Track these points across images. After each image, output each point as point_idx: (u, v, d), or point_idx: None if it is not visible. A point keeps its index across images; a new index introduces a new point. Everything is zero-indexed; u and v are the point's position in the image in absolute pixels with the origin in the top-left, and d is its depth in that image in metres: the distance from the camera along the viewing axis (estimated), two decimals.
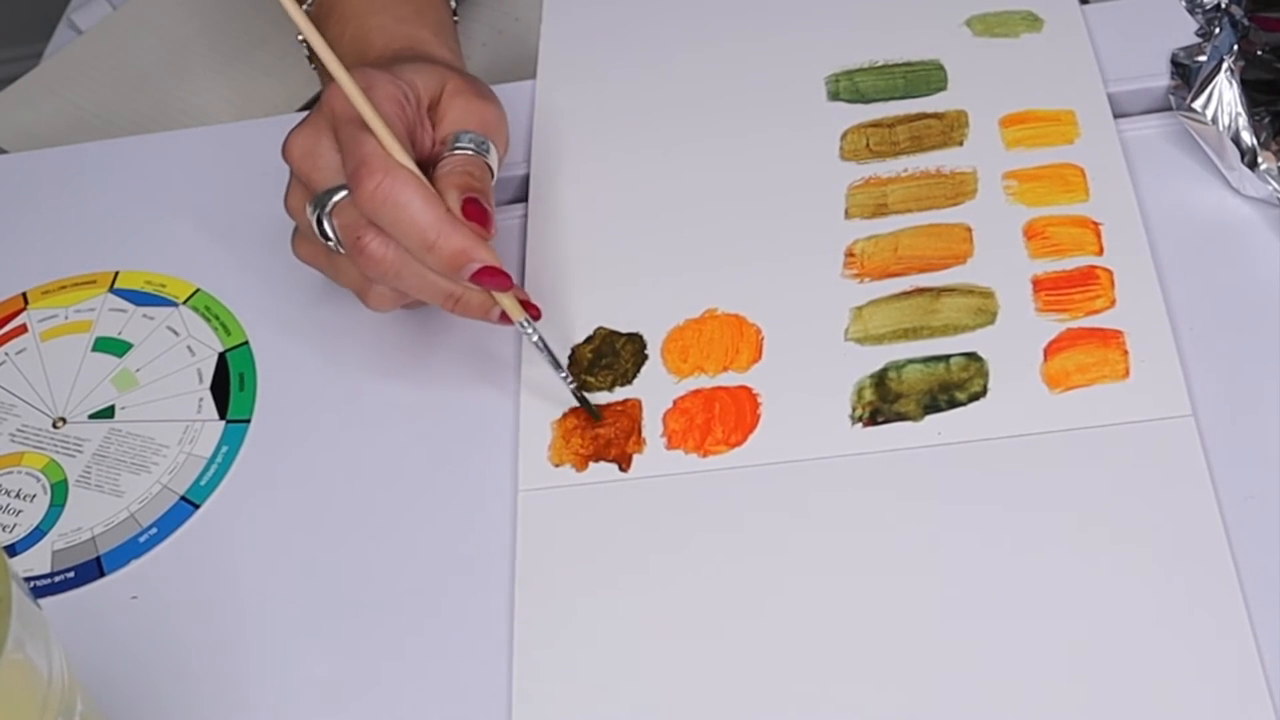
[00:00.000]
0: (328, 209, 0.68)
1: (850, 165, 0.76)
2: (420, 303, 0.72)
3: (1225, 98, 0.71)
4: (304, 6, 0.79)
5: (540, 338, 0.69)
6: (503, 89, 0.83)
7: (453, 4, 0.80)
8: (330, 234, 0.68)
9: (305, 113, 0.76)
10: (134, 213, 0.83)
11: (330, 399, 0.73)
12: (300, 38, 0.79)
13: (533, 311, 0.68)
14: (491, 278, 0.66)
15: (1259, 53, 0.71)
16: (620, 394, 0.70)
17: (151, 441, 0.74)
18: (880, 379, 0.68)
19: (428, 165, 0.68)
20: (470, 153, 0.68)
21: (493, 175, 0.69)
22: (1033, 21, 0.79)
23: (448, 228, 0.65)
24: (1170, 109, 0.74)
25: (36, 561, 0.71)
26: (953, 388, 0.67)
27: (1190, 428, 0.64)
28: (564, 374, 0.69)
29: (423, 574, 0.67)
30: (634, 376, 0.70)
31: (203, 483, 0.72)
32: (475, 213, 0.66)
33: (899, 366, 0.68)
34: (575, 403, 0.70)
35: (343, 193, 0.67)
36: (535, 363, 0.71)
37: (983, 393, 0.67)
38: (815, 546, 0.64)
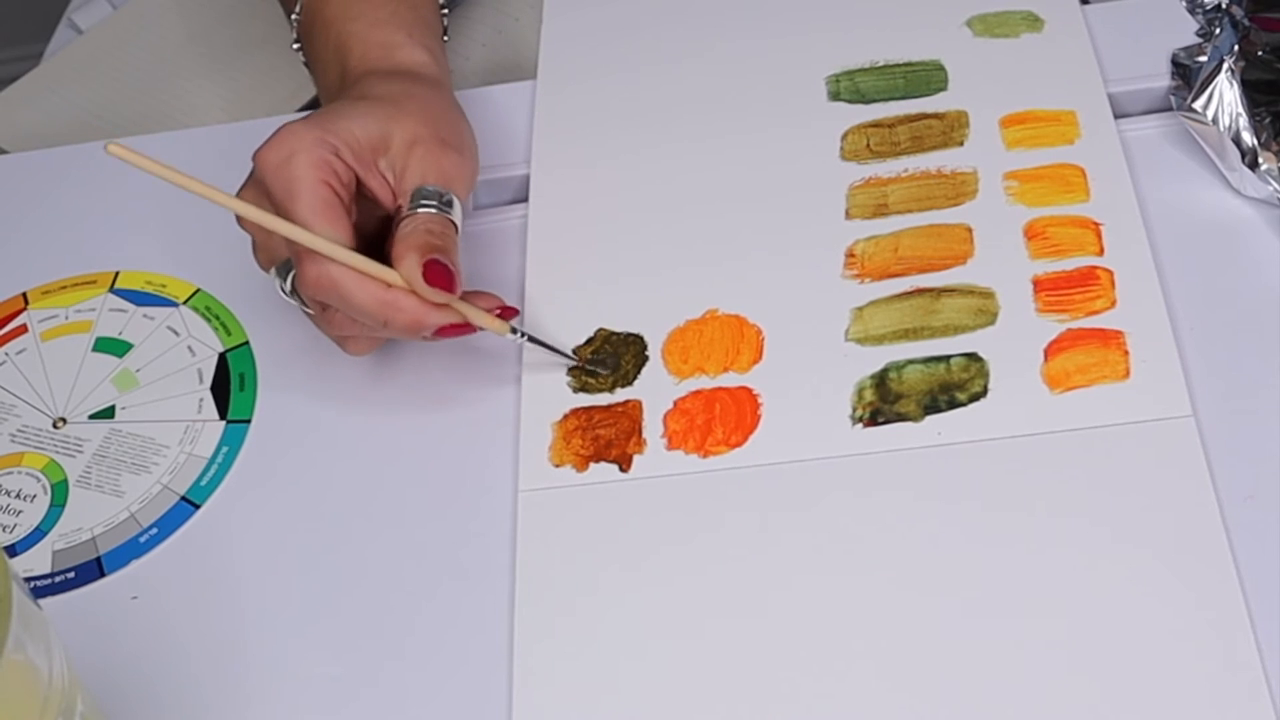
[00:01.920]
0: (287, 282, 0.69)
1: (851, 165, 0.76)
2: None
3: (1226, 98, 0.71)
4: (293, 16, 0.79)
5: (528, 336, 0.69)
6: (503, 89, 0.84)
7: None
8: (298, 300, 0.69)
9: (307, 112, 0.76)
10: (134, 213, 0.83)
11: (330, 399, 0.73)
12: (296, 45, 0.80)
13: (510, 313, 0.69)
14: (452, 332, 0.67)
15: (1259, 53, 0.71)
16: (621, 395, 0.70)
17: (152, 442, 0.74)
18: (880, 379, 0.68)
19: (384, 215, 0.69)
20: (433, 210, 0.68)
21: (457, 230, 0.68)
22: (1033, 21, 0.79)
23: (393, 305, 0.66)
24: (1170, 109, 0.74)
25: (36, 561, 0.71)
26: (953, 388, 0.67)
27: (1190, 428, 0.64)
28: (569, 358, 0.70)
29: (423, 574, 0.67)
30: (634, 377, 0.70)
31: (203, 483, 0.72)
32: (437, 276, 0.66)
33: (899, 367, 0.68)
34: (576, 402, 0.70)
35: None
36: (535, 364, 0.71)
37: (983, 393, 0.67)
38: (815, 547, 0.64)
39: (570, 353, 0.71)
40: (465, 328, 0.68)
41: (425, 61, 0.75)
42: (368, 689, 0.64)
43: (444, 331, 0.67)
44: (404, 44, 0.75)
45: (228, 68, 0.93)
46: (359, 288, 0.66)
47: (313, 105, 0.88)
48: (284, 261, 0.69)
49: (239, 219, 0.70)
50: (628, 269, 0.74)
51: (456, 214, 0.69)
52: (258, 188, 0.68)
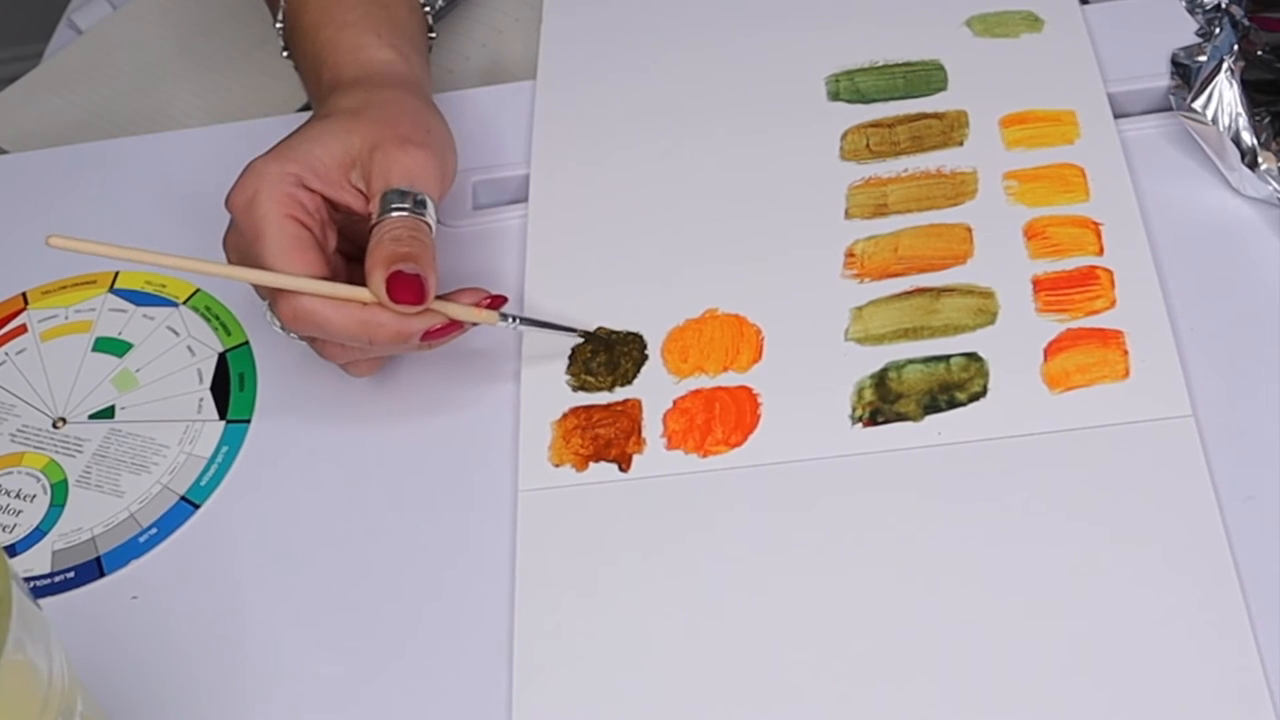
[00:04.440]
0: (276, 318, 0.69)
1: (850, 165, 0.76)
2: None
3: (1225, 98, 0.71)
4: (277, 25, 0.79)
5: (521, 319, 0.69)
6: (502, 89, 0.84)
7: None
8: (291, 333, 0.69)
9: (305, 113, 0.76)
10: (134, 213, 0.83)
11: (330, 399, 0.73)
12: (285, 54, 0.80)
13: (499, 302, 0.69)
14: (440, 335, 0.67)
15: (1259, 53, 0.71)
16: (620, 394, 0.70)
17: (151, 441, 0.74)
18: (880, 379, 0.68)
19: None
20: (404, 213, 0.67)
21: (431, 227, 0.68)
22: (1033, 21, 0.79)
23: (373, 323, 0.66)
24: (1170, 109, 0.74)
25: (36, 561, 0.71)
26: (953, 388, 0.67)
27: (1190, 428, 0.64)
28: (567, 331, 0.71)
29: (423, 574, 0.67)
30: (634, 376, 0.70)
31: (203, 483, 0.72)
32: (401, 291, 0.65)
33: (899, 367, 0.68)
34: (575, 401, 0.70)
35: None
36: (535, 363, 0.71)
37: (983, 393, 0.67)
38: (815, 546, 0.64)
39: (569, 326, 0.71)
40: (454, 327, 0.68)
41: (391, 60, 0.74)
42: (368, 689, 0.64)
43: (432, 335, 0.67)
44: (371, 45, 0.74)
45: (227, 68, 0.93)
46: (336, 314, 0.66)
47: (310, 106, 0.88)
48: (270, 302, 0.69)
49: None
50: (627, 268, 0.74)
51: (430, 212, 0.68)
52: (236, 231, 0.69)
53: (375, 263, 0.66)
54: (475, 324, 0.68)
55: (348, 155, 0.69)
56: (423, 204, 0.68)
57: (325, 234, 0.69)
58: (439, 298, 0.67)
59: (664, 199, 0.76)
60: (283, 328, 0.69)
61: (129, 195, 0.83)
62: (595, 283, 0.74)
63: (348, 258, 0.70)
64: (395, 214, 0.67)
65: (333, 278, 0.67)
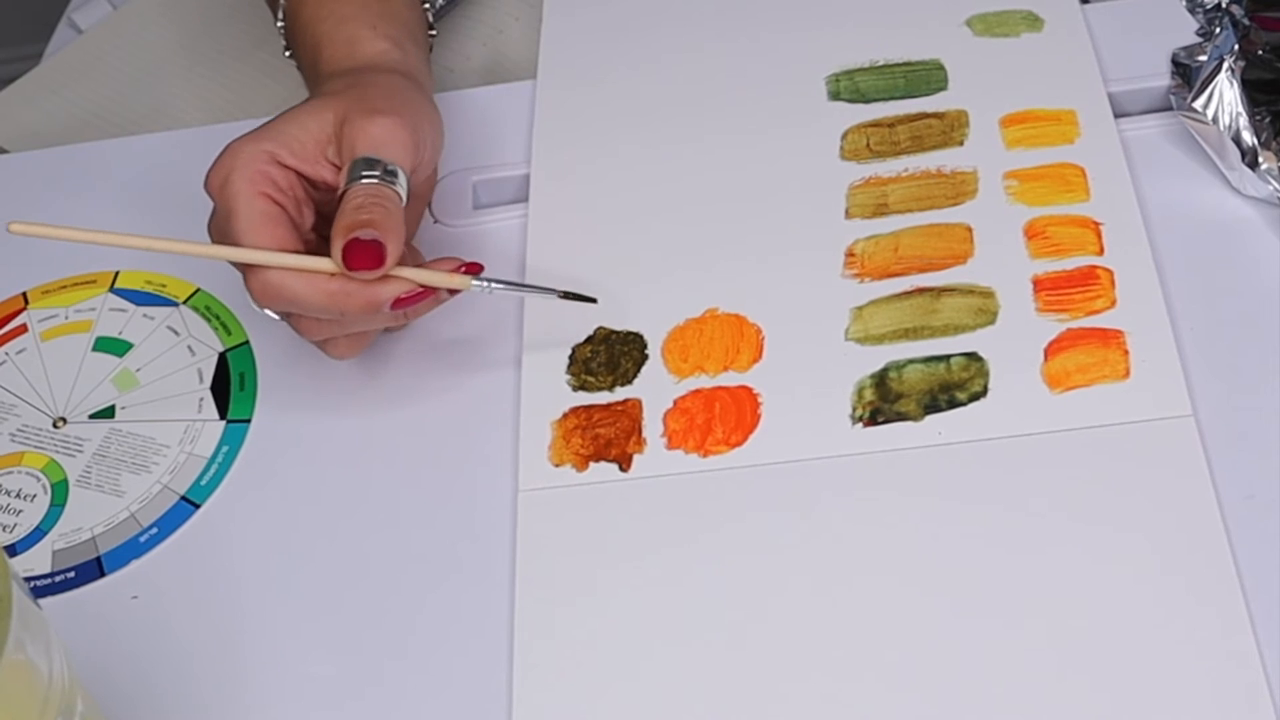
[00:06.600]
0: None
1: (850, 165, 0.76)
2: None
3: (1226, 97, 0.71)
4: (278, 24, 0.79)
5: (497, 282, 0.68)
6: (503, 89, 0.84)
7: None
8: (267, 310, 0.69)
9: None
10: (134, 213, 0.83)
11: (330, 399, 0.73)
12: (287, 53, 0.80)
13: (474, 269, 0.68)
14: (412, 302, 0.67)
15: (1260, 52, 0.71)
16: (620, 394, 0.70)
17: (152, 441, 0.74)
18: (880, 379, 0.68)
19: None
20: (372, 181, 0.67)
21: (401, 196, 0.67)
22: (1033, 21, 0.79)
23: (341, 293, 0.66)
24: (1171, 109, 0.74)
25: (36, 561, 0.71)
26: (953, 388, 0.67)
27: (1190, 428, 0.64)
28: (546, 291, 0.69)
29: (423, 574, 0.67)
30: (634, 376, 0.70)
31: (203, 483, 0.72)
32: (357, 257, 0.65)
33: (899, 366, 0.68)
34: (575, 401, 0.70)
35: None
36: (535, 363, 0.71)
37: (983, 393, 0.67)
38: (815, 546, 0.64)
39: (544, 286, 0.70)
40: (426, 294, 0.67)
41: (386, 50, 0.74)
42: (368, 688, 0.64)
43: (403, 303, 0.66)
44: (367, 38, 0.75)
45: (228, 67, 0.93)
46: (304, 286, 0.66)
47: None
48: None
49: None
50: (627, 268, 0.74)
51: (400, 182, 0.68)
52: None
53: (336, 231, 0.66)
54: (451, 293, 0.68)
55: (323, 132, 0.69)
56: (393, 173, 0.68)
57: (300, 211, 0.69)
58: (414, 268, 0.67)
59: (664, 199, 0.76)
60: (258, 305, 0.69)
61: (129, 195, 0.83)
62: (595, 283, 0.74)
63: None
64: (362, 182, 0.67)
65: (310, 254, 0.67)
